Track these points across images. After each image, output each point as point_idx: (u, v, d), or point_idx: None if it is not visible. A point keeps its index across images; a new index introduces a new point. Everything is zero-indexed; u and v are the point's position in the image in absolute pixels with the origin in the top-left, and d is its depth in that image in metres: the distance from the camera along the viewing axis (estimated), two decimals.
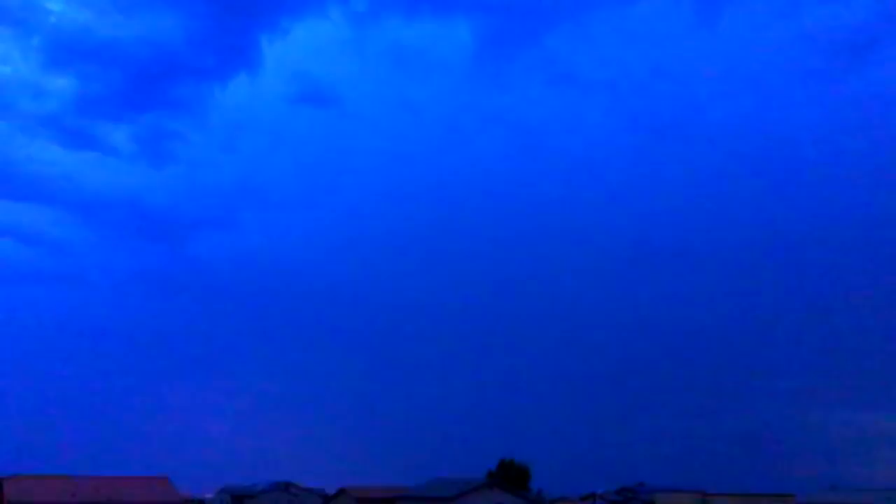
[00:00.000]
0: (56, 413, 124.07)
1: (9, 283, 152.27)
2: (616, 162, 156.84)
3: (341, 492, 76.72)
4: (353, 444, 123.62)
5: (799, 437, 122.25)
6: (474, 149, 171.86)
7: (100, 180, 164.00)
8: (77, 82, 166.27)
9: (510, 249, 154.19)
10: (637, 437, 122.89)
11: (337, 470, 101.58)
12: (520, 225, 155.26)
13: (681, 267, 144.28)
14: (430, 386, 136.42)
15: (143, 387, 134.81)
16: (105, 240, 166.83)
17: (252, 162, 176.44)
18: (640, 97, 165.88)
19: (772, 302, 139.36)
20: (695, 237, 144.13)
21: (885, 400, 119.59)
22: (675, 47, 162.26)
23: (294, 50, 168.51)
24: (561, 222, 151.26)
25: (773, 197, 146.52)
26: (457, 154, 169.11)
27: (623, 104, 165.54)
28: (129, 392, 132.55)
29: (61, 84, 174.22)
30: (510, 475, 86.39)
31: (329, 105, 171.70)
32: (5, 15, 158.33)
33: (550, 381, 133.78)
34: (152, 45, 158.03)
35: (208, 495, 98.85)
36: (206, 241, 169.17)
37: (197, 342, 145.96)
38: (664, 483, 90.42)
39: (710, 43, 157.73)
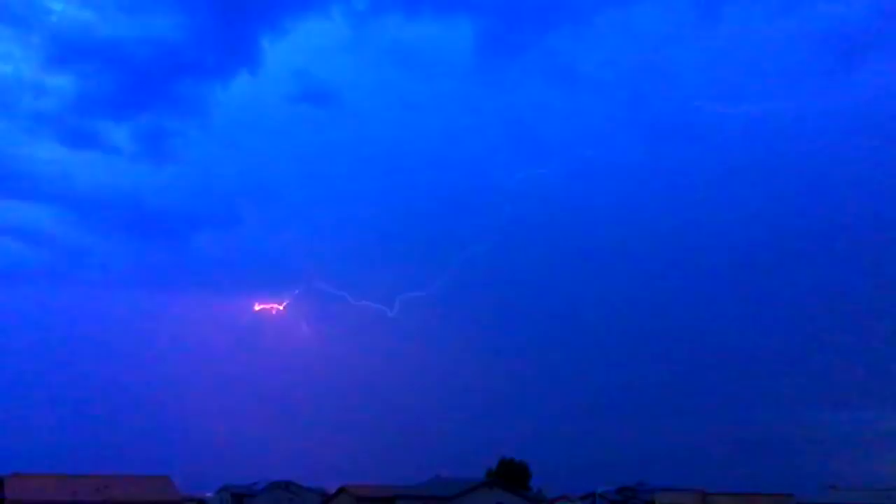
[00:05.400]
0: (56, 413, 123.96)
1: (9, 283, 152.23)
2: (616, 161, 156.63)
3: (341, 491, 76.68)
4: (353, 444, 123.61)
5: (799, 437, 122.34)
6: (474, 148, 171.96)
7: (100, 179, 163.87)
8: (78, 81, 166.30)
9: (509, 249, 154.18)
10: (637, 437, 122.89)
11: (337, 470, 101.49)
12: (520, 225, 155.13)
13: (681, 266, 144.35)
14: (430, 386, 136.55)
15: (143, 386, 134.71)
16: (105, 238, 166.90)
17: (253, 161, 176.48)
18: (640, 97, 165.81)
19: (772, 301, 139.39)
20: (695, 237, 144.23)
21: (884, 400, 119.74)
22: (675, 47, 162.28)
23: (295, 49, 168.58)
24: (561, 222, 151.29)
25: (774, 197, 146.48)
26: (457, 153, 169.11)
27: (624, 104, 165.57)
28: (130, 392, 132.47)
29: (62, 83, 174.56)
30: (510, 474, 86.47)
31: (330, 104, 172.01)
32: (6, 13, 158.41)
33: (551, 380, 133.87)
34: (153, 44, 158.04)
35: (208, 495, 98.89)
36: (207, 239, 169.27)
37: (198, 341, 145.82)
38: (664, 483, 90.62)
39: (710, 43, 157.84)
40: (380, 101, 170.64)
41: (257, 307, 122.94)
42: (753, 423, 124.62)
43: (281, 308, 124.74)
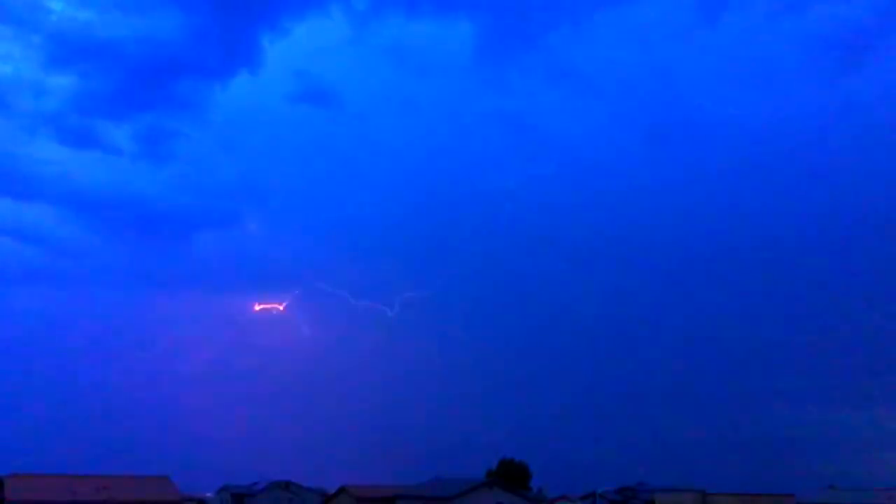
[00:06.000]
0: (56, 413, 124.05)
1: (9, 283, 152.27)
2: (617, 161, 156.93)
3: (341, 491, 76.73)
4: (353, 444, 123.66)
5: (799, 437, 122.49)
6: (475, 148, 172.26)
7: (101, 179, 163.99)
8: (78, 81, 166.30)
9: (510, 249, 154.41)
10: (637, 437, 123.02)
11: (337, 470, 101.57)
12: (520, 224, 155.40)
13: (681, 266, 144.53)
14: (430, 386, 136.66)
15: (143, 386, 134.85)
16: (106, 238, 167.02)
17: (253, 161, 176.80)
18: (640, 97, 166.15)
19: (772, 301, 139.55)
20: (695, 237, 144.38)
21: (884, 400, 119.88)
22: (675, 47, 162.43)
23: (295, 49, 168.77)
24: (561, 222, 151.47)
25: (773, 197, 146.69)
26: (457, 153, 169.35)
27: (624, 104, 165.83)
28: (130, 392, 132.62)
29: (62, 82, 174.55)
30: (510, 474, 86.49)
31: (330, 104, 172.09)
32: (6, 14, 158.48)
33: (551, 380, 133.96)
34: (153, 44, 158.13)
35: (208, 495, 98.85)
36: (207, 239, 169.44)
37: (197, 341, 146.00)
38: (664, 483, 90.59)
39: (710, 43, 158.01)
40: (380, 101, 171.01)
41: (257, 307, 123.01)
42: (753, 423, 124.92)
43: (281, 308, 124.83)
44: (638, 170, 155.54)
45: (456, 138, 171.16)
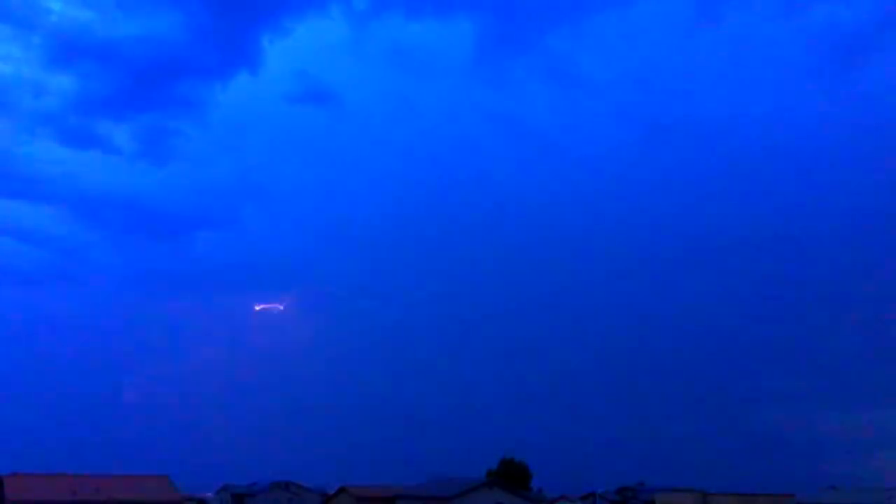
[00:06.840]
0: (56, 413, 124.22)
1: (9, 283, 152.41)
2: (616, 161, 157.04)
3: (341, 491, 76.71)
4: (353, 444, 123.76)
5: (799, 437, 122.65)
6: (475, 148, 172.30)
7: (101, 179, 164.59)
8: (78, 81, 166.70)
9: (510, 248, 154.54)
10: (637, 437, 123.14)
11: (337, 470, 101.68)
12: (520, 224, 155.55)
13: (681, 266, 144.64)
14: (430, 386, 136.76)
15: (143, 386, 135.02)
16: (106, 238, 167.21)
17: (253, 160, 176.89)
18: (640, 96, 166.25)
19: (772, 301, 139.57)
20: (695, 237, 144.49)
21: (884, 400, 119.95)
22: (675, 47, 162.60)
23: (295, 49, 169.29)
24: (562, 222, 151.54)
25: (772, 196, 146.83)
26: (457, 153, 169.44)
27: (623, 104, 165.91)
28: (130, 392, 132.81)
29: (62, 82, 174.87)
30: (510, 474, 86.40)
31: (330, 104, 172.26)
32: (6, 14, 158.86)
33: (551, 380, 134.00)
34: (153, 44, 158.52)
35: (208, 495, 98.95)
36: (208, 239, 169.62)
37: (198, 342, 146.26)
38: (664, 483, 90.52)
39: (710, 42, 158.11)
40: (380, 101, 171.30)
41: (257, 307, 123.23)
42: (754, 423, 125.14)
43: (281, 308, 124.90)
44: (638, 169, 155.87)
45: (456, 138, 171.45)
